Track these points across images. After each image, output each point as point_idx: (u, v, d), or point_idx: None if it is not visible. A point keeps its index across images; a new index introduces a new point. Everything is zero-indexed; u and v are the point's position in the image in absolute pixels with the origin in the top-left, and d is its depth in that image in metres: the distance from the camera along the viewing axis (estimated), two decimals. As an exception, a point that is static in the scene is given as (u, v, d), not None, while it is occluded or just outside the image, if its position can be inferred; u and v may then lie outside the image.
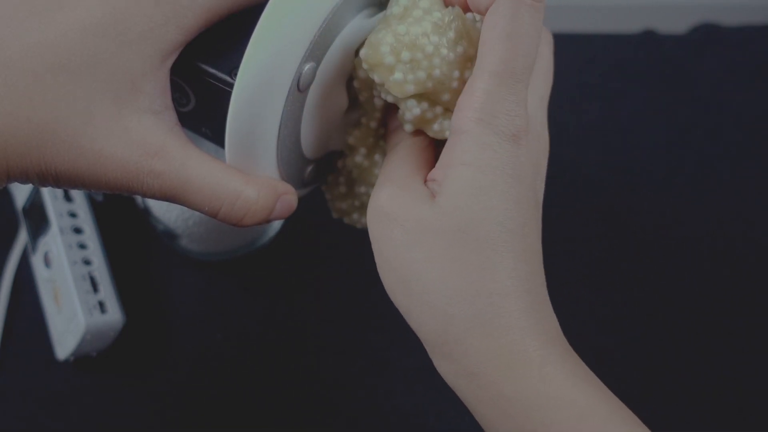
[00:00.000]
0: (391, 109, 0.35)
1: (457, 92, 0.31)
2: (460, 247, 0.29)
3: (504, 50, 0.29)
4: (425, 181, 0.32)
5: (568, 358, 0.29)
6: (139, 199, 0.53)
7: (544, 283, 0.31)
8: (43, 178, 0.29)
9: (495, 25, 0.29)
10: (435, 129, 0.33)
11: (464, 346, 0.29)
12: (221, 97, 0.31)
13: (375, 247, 0.31)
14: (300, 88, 0.31)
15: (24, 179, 0.29)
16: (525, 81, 0.30)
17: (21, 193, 0.55)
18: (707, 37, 0.66)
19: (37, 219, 0.52)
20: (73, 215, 0.52)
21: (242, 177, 0.31)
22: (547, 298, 0.31)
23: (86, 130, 0.28)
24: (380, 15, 0.33)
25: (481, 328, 0.29)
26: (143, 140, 0.29)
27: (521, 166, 0.30)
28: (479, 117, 0.29)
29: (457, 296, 0.29)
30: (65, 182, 0.29)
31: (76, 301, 0.48)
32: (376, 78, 0.31)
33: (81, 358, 0.49)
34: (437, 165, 0.31)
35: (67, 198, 0.53)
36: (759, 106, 0.62)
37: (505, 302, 0.29)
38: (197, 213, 0.45)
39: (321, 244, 0.55)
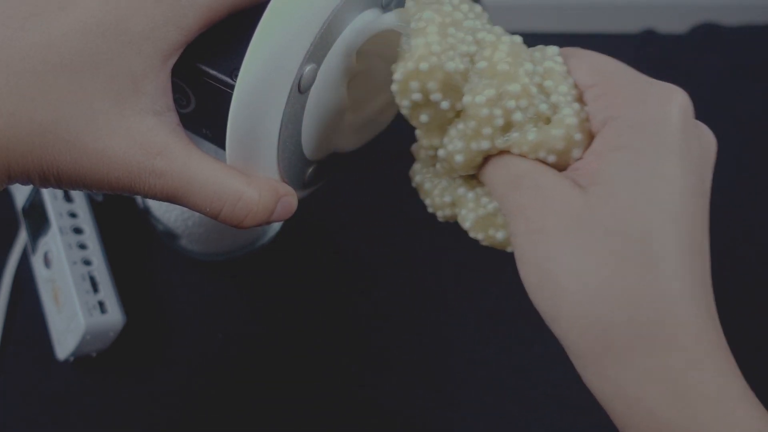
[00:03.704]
0: None
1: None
2: (619, 244, 0.25)
3: None
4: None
5: (745, 388, 0.25)
6: (139, 199, 0.53)
7: (711, 288, 0.27)
8: (44, 178, 0.29)
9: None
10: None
11: (623, 364, 0.25)
12: (222, 98, 0.31)
13: (517, 242, 0.28)
14: (301, 89, 0.31)
15: (25, 180, 0.29)
16: None
17: (21, 193, 0.55)
18: (707, 37, 0.66)
19: (37, 219, 0.52)
20: (73, 215, 0.52)
21: (244, 178, 0.31)
22: (714, 303, 0.27)
23: (89, 130, 0.28)
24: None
25: (643, 342, 0.25)
26: (146, 140, 0.29)
27: (687, 149, 0.26)
28: (629, 99, 0.27)
29: (615, 302, 0.25)
30: (67, 182, 0.29)
31: (75, 301, 0.48)
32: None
33: (81, 358, 0.49)
34: (584, 157, 0.28)
35: (67, 198, 0.52)
36: (759, 106, 0.62)
37: (672, 311, 0.25)
38: (197, 213, 0.45)
39: (321, 245, 0.55)
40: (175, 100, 0.32)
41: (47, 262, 0.51)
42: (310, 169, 0.35)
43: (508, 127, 0.29)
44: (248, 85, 0.29)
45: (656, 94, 0.27)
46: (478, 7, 0.32)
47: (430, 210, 0.35)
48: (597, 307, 0.25)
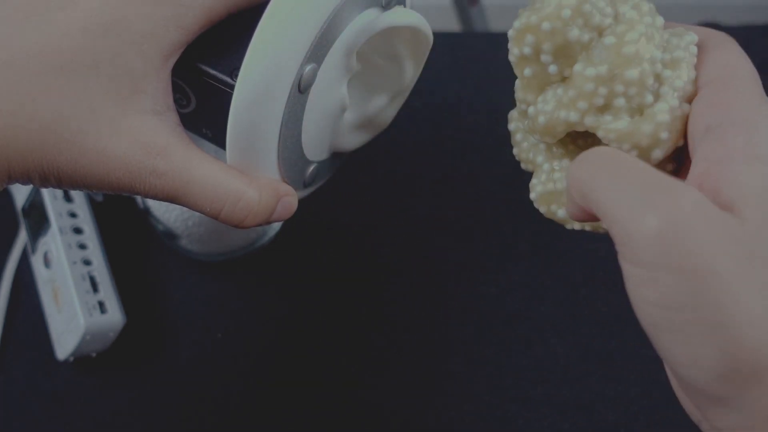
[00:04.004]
0: None
1: None
2: None
3: None
4: None
5: None
6: (139, 199, 0.53)
7: None
8: (44, 178, 0.29)
9: None
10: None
11: None
12: (222, 98, 0.31)
13: (672, 288, 0.22)
14: (301, 89, 0.31)
15: (25, 180, 0.29)
16: None
17: (21, 193, 0.55)
18: (707, 37, 0.66)
19: (37, 219, 0.52)
20: (72, 215, 0.52)
21: (244, 178, 0.31)
22: None
23: (89, 130, 0.28)
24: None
25: None
26: (146, 140, 0.29)
27: None
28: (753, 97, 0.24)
29: None
30: (67, 182, 0.29)
31: (75, 301, 0.48)
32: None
33: (81, 358, 0.49)
34: (694, 168, 0.24)
35: (67, 198, 0.52)
36: (759, 106, 0.62)
37: None
38: (197, 213, 0.46)
39: (321, 245, 0.55)
40: (176, 100, 0.32)
41: (47, 262, 0.51)
42: (310, 169, 0.35)
43: (605, 108, 0.28)
44: (248, 85, 0.29)
45: None
46: None
47: (516, 157, 0.33)
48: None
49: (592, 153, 0.26)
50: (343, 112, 0.35)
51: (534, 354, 0.51)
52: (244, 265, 0.54)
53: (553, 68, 0.28)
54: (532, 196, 0.31)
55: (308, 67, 0.30)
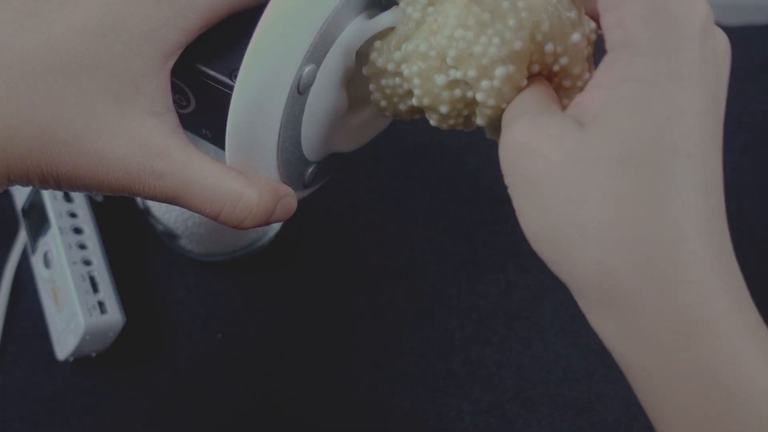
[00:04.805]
0: None
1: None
2: (621, 180, 0.24)
3: None
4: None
5: (760, 326, 0.24)
6: (139, 199, 0.53)
7: (726, 222, 0.25)
8: (44, 180, 0.29)
9: None
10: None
11: (631, 304, 0.24)
12: (221, 99, 0.31)
13: (513, 191, 0.26)
14: (300, 90, 0.30)
15: (25, 181, 0.29)
16: None
17: (21, 193, 0.55)
18: (707, 36, 0.66)
19: (37, 219, 0.52)
20: (72, 215, 0.52)
21: (244, 179, 0.31)
22: (730, 241, 0.25)
23: (88, 131, 0.28)
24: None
25: (652, 282, 0.24)
26: (146, 141, 0.29)
27: (704, 71, 0.24)
28: (644, 16, 0.24)
29: (620, 243, 0.24)
30: (66, 184, 0.29)
31: (75, 301, 0.48)
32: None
33: (81, 358, 0.49)
34: (585, 90, 0.27)
35: (67, 198, 0.52)
36: (759, 106, 0.62)
37: (682, 249, 0.24)
38: (197, 213, 0.46)
39: (320, 245, 0.55)
40: (175, 101, 0.32)
41: (47, 262, 0.51)
42: (310, 170, 0.35)
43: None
44: (247, 86, 0.29)
45: (672, 9, 0.24)
46: None
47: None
48: (601, 251, 0.24)
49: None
50: (343, 112, 0.35)
51: (534, 354, 0.51)
52: (244, 265, 0.54)
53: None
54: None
55: (307, 68, 0.30)
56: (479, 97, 0.29)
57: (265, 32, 0.29)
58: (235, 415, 0.49)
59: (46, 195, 0.52)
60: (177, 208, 0.49)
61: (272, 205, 0.31)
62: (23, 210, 0.53)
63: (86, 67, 0.28)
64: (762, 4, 0.74)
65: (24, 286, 0.53)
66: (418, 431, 0.49)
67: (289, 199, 0.32)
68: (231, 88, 0.30)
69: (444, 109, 0.30)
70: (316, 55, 0.31)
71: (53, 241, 0.50)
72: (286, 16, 0.29)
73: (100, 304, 0.49)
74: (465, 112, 0.31)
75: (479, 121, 0.30)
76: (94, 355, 0.49)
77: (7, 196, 0.56)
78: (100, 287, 0.49)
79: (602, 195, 0.24)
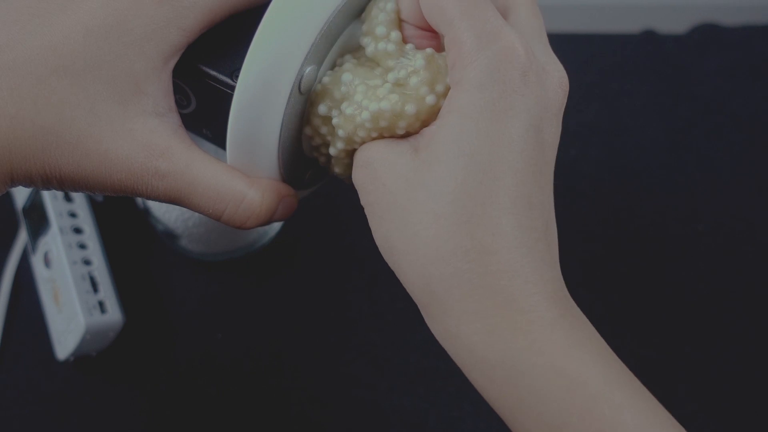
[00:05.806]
0: None
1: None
2: (440, 201, 0.27)
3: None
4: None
5: (562, 322, 0.27)
6: (139, 199, 0.53)
7: (547, 238, 0.28)
8: (47, 181, 0.29)
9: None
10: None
11: (445, 307, 0.27)
12: (222, 99, 0.31)
13: (366, 211, 0.30)
14: (301, 90, 0.31)
15: (28, 182, 0.29)
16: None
17: (21, 193, 0.55)
18: (707, 37, 0.66)
19: (37, 219, 0.52)
20: (73, 215, 0.52)
21: (246, 179, 0.31)
22: (549, 253, 0.28)
23: (91, 132, 0.28)
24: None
25: (460, 288, 0.27)
26: (148, 141, 0.29)
27: (524, 104, 0.27)
28: (472, 53, 0.27)
29: (436, 255, 0.27)
30: (69, 185, 0.29)
31: (75, 301, 0.48)
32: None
33: (81, 358, 0.49)
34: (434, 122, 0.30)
35: (67, 198, 0.52)
36: (759, 106, 0.62)
37: (488, 261, 0.27)
38: (197, 213, 0.46)
39: (321, 245, 0.55)
40: (176, 101, 0.32)
41: (47, 262, 0.51)
42: (311, 170, 0.35)
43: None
44: (249, 86, 0.29)
45: (493, 49, 0.27)
46: None
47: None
48: (426, 266, 0.27)
49: None
50: (344, 113, 0.35)
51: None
52: (244, 265, 0.54)
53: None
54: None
55: (309, 68, 0.30)
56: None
57: (266, 33, 0.29)
58: (235, 415, 0.49)
59: (47, 195, 0.52)
60: (177, 208, 0.49)
61: (274, 205, 0.31)
62: (23, 210, 0.53)
63: (89, 69, 0.28)
64: (762, 4, 0.74)
65: (24, 286, 0.53)
66: (418, 431, 0.49)
67: (291, 198, 0.32)
68: (232, 88, 0.30)
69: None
70: (317, 55, 0.31)
71: (53, 241, 0.50)
72: (287, 16, 0.29)
73: (101, 304, 0.49)
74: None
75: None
76: (94, 354, 0.49)
77: (8, 196, 0.56)
78: (100, 287, 0.49)
79: (424, 215, 0.27)
